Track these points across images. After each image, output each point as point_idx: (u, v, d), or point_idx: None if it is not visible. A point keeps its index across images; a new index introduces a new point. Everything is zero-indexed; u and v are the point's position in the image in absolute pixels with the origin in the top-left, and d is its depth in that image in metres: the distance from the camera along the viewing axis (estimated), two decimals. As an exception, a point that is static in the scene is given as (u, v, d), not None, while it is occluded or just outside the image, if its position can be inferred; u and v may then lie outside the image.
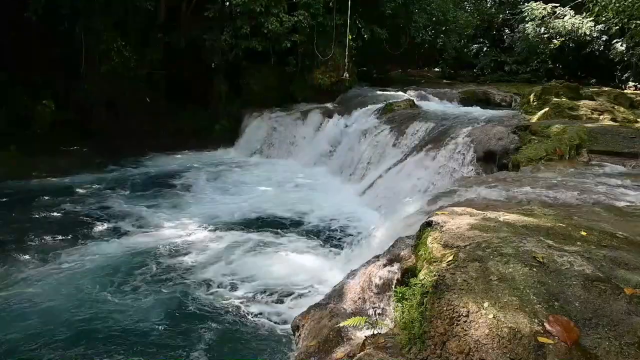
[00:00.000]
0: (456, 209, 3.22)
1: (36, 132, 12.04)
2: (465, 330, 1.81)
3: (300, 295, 5.54)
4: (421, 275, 2.41)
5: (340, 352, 2.81)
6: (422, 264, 2.64)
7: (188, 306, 5.37)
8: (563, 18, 15.78)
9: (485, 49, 19.74)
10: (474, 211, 3.13)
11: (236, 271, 6.17)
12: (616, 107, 8.91)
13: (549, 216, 3.22)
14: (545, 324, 1.73)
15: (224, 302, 5.46)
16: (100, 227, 7.73)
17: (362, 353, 2.31)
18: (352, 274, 3.78)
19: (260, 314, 5.24)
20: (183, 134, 13.79)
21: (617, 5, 10.93)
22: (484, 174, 7.02)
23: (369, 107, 12.34)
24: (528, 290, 1.92)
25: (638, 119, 8.50)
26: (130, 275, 6.07)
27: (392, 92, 14.19)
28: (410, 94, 13.88)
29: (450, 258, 2.29)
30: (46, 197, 9.09)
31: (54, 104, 12.33)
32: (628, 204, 4.04)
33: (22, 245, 6.89)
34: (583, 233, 2.70)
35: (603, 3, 11.34)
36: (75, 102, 12.47)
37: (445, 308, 1.92)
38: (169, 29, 13.97)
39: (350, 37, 14.12)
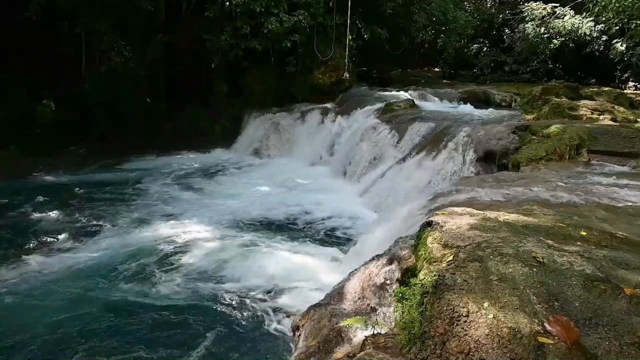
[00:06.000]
0: (456, 209, 3.21)
1: (36, 132, 12.04)
2: (465, 330, 1.81)
3: (300, 296, 5.54)
4: (421, 275, 2.41)
5: (340, 352, 2.81)
6: (422, 264, 2.64)
7: (186, 305, 5.37)
8: (563, 18, 15.79)
9: (485, 49, 19.73)
10: (474, 211, 3.13)
11: (235, 271, 6.17)
12: (616, 107, 8.91)
13: (549, 216, 3.22)
14: (545, 324, 1.73)
15: (222, 301, 5.47)
16: (100, 227, 7.73)
17: (362, 353, 2.31)
18: (352, 274, 3.78)
19: (260, 314, 5.24)
20: (183, 134, 13.77)
21: (617, 5, 10.93)
22: (484, 174, 7.02)
23: (369, 107, 12.33)
24: (528, 290, 1.92)
25: (638, 119, 8.50)
26: (127, 274, 6.08)
27: (392, 92, 14.19)
28: (410, 94, 13.88)
29: (450, 258, 2.29)
30: (46, 197, 9.09)
31: (54, 104, 12.33)
32: (628, 204, 4.04)
33: (22, 245, 6.91)
34: (583, 233, 2.70)
35: (603, 3, 11.34)
36: (75, 102, 12.46)
37: (445, 308, 1.92)
38: (169, 29, 13.96)
39: (350, 37, 14.12)
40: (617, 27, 13.42)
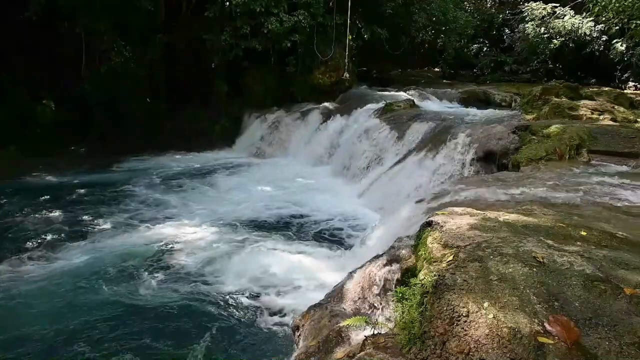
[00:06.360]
0: (456, 209, 3.21)
1: (36, 132, 12.04)
2: (465, 330, 1.81)
3: (300, 296, 5.54)
4: (421, 275, 2.41)
5: (340, 352, 2.81)
6: (422, 264, 2.64)
7: (186, 305, 5.37)
8: (563, 18, 15.79)
9: (485, 49, 19.73)
10: (474, 211, 3.13)
11: (235, 271, 6.17)
12: (616, 107, 8.91)
13: (549, 216, 3.22)
14: (545, 324, 1.73)
15: (222, 302, 5.46)
16: (99, 227, 7.73)
17: (362, 353, 2.31)
18: (352, 274, 3.78)
19: (260, 314, 5.23)
20: (183, 134, 13.78)
21: (617, 5, 10.92)
22: (484, 174, 7.02)
23: (369, 107, 12.33)
24: (528, 290, 1.92)
25: (638, 119, 8.50)
26: (127, 274, 6.08)
27: (392, 92, 14.20)
28: (410, 94, 13.89)
29: (450, 258, 2.29)
30: (46, 197, 9.09)
31: (54, 104, 12.34)
32: (628, 204, 4.04)
33: (22, 245, 6.91)
34: (583, 233, 2.70)
35: (603, 3, 11.33)
36: (75, 102, 12.46)
37: (445, 308, 1.92)
38: (169, 29, 13.97)
39: (350, 37, 14.12)
40: (617, 27, 13.41)
